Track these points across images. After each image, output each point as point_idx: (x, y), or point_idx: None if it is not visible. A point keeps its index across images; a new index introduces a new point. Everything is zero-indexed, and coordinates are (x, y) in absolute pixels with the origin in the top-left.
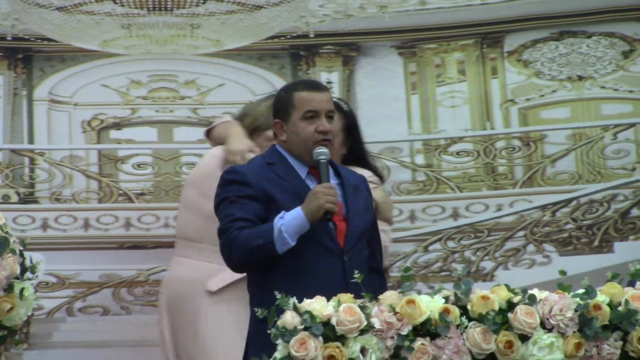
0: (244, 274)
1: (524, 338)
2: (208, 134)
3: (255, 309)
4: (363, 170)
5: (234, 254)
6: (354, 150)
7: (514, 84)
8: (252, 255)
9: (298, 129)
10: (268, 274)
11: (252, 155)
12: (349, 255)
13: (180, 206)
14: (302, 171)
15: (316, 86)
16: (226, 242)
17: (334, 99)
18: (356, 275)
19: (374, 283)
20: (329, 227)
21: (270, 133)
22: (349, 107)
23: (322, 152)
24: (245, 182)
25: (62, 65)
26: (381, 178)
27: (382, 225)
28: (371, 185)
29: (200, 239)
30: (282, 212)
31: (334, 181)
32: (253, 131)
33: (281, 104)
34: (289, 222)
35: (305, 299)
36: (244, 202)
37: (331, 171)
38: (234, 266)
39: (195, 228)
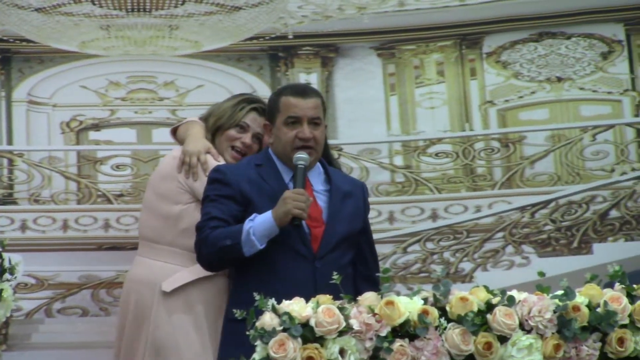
0: (202, 275)
1: (503, 339)
2: (174, 133)
3: (234, 310)
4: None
5: (203, 252)
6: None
7: (492, 85)
8: (219, 255)
9: (280, 134)
10: (243, 275)
11: (208, 156)
12: (322, 261)
13: (142, 207)
14: (287, 174)
15: (303, 92)
16: (198, 240)
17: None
18: (335, 277)
19: (360, 291)
20: (303, 232)
21: (231, 132)
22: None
23: (300, 158)
24: (225, 181)
25: (40, 67)
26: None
27: None
28: None
29: (156, 239)
30: (254, 215)
31: (322, 187)
32: (216, 131)
33: (270, 107)
34: (258, 225)
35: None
36: (222, 201)
37: (322, 176)
38: (204, 264)
39: (152, 228)
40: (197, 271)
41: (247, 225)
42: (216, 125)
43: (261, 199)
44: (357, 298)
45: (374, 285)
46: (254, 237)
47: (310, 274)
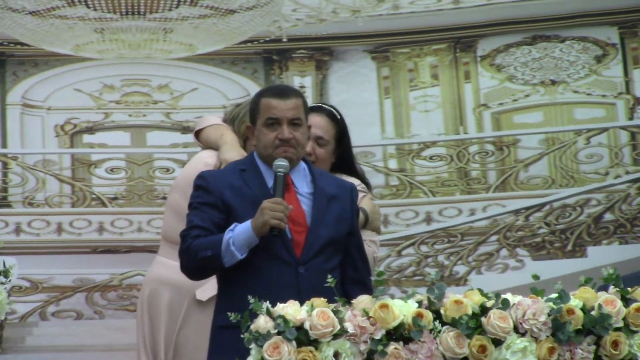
0: None
1: (497, 342)
2: (197, 134)
3: (229, 314)
4: (351, 179)
5: (185, 262)
6: (343, 158)
7: (487, 88)
8: (201, 265)
9: (260, 135)
10: (228, 282)
11: None
12: (305, 266)
13: (165, 209)
14: (270, 178)
15: (282, 93)
16: (181, 249)
17: (328, 107)
18: (329, 280)
19: (351, 295)
20: (286, 238)
21: None
22: (341, 115)
23: (280, 165)
24: (207, 188)
25: (35, 70)
26: (368, 186)
27: (370, 236)
28: (360, 195)
29: None
30: (234, 225)
31: (307, 189)
32: (247, 138)
33: (251, 109)
34: (237, 235)
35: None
36: (204, 209)
37: (308, 178)
38: (187, 274)
39: (180, 232)
40: None
41: (227, 235)
42: (247, 134)
43: (243, 205)
44: (352, 301)
45: (364, 288)
46: (234, 247)
47: (294, 279)
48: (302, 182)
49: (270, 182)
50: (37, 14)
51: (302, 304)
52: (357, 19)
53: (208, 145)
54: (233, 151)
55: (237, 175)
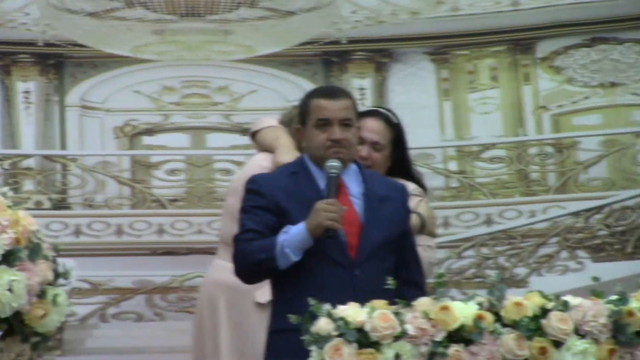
0: None
1: (558, 344)
2: (253, 135)
3: (290, 316)
4: (407, 183)
5: (239, 266)
6: (400, 162)
7: (546, 90)
8: (255, 269)
9: (311, 137)
10: (282, 286)
11: None
12: (360, 269)
13: (223, 212)
14: (321, 180)
15: (332, 94)
16: (235, 253)
17: (384, 111)
18: (390, 282)
19: (405, 296)
20: (340, 240)
21: None
22: (397, 119)
23: (332, 166)
24: (259, 192)
25: (93, 71)
26: (425, 190)
27: (426, 241)
28: (416, 199)
29: None
30: (287, 227)
31: (358, 190)
32: None
33: (301, 110)
34: (291, 237)
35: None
36: (256, 212)
37: (359, 179)
38: (241, 278)
39: None
40: None
41: (281, 237)
42: None
43: (296, 207)
44: (412, 303)
45: (418, 289)
46: (288, 249)
47: (349, 282)
48: (353, 184)
49: (321, 184)
50: (95, 15)
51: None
52: (416, 20)
53: (264, 148)
54: (288, 154)
55: (288, 178)
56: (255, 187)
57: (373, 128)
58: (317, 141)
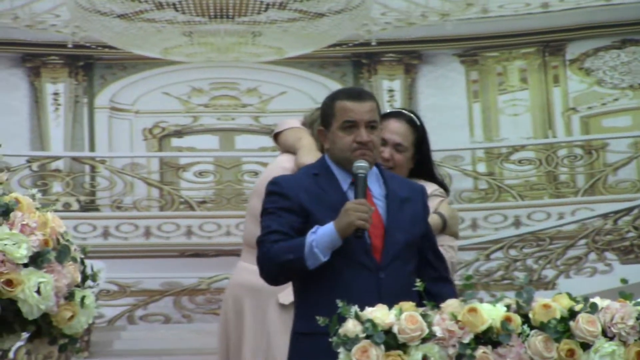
0: None
1: (586, 346)
2: (276, 137)
3: (317, 318)
4: (429, 184)
5: (265, 267)
6: (422, 164)
7: (575, 92)
8: (283, 270)
9: (336, 139)
10: (306, 288)
11: None
12: (385, 271)
13: (246, 215)
14: (344, 182)
15: (357, 95)
16: (260, 254)
17: (407, 113)
18: (417, 284)
19: (438, 293)
20: (365, 242)
21: None
22: (421, 121)
23: (360, 167)
24: (283, 194)
25: (123, 73)
26: (447, 191)
27: (448, 241)
28: (437, 199)
29: None
30: (315, 227)
31: (380, 192)
32: None
33: (324, 112)
34: (320, 237)
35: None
36: (281, 214)
37: (380, 180)
38: (267, 279)
39: None
40: None
41: (310, 238)
42: None
43: (320, 209)
44: (440, 305)
45: (446, 283)
46: (317, 249)
47: (375, 284)
48: (375, 185)
49: (344, 186)
50: (125, 17)
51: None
52: (446, 22)
53: (286, 149)
54: (310, 155)
55: (310, 179)
56: (277, 189)
57: (395, 129)
58: (343, 143)
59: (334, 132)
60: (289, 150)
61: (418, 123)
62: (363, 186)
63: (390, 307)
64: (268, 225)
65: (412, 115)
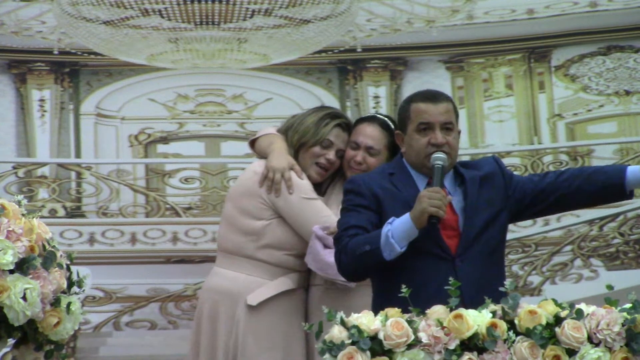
0: (285, 288)
1: (571, 352)
2: (252, 144)
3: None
4: None
5: (343, 261)
6: None
7: (561, 98)
8: (360, 262)
9: (412, 141)
10: (384, 285)
11: (292, 173)
12: (461, 258)
13: (221, 219)
14: (421, 183)
15: (433, 98)
16: (338, 249)
17: (381, 117)
18: (507, 284)
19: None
20: (436, 233)
21: (315, 149)
22: (395, 125)
23: (438, 158)
24: (359, 191)
25: (109, 80)
26: None
27: None
28: None
29: (237, 252)
30: (392, 218)
31: (457, 194)
32: (299, 147)
33: (400, 115)
34: (396, 227)
35: (416, 308)
36: (359, 210)
37: (457, 181)
38: (345, 273)
39: (233, 242)
40: (281, 285)
41: (386, 228)
42: (300, 142)
43: (394, 207)
44: (426, 311)
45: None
46: (393, 239)
47: (452, 274)
48: (451, 186)
49: (421, 187)
50: (110, 23)
51: (462, 296)
52: (432, 29)
53: (260, 155)
54: (279, 158)
55: (386, 178)
56: (355, 187)
57: (368, 133)
58: (418, 145)
59: (410, 134)
60: (263, 155)
61: (392, 126)
62: (440, 176)
63: (469, 295)
64: (346, 221)
65: (385, 119)
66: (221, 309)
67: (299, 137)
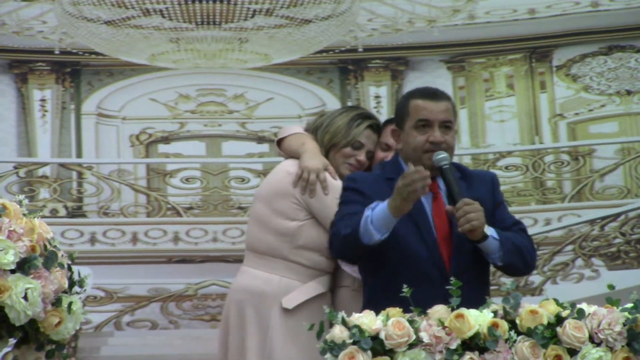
0: (319, 291)
1: (573, 352)
2: (279, 143)
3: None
4: None
5: (333, 244)
6: None
7: (562, 98)
8: (344, 245)
9: (409, 138)
10: (372, 279)
11: (327, 175)
12: (454, 274)
13: (249, 219)
14: None
15: (433, 95)
16: (330, 235)
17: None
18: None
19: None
20: (438, 255)
21: (347, 150)
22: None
23: (442, 158)
24: (360, 190)
25: (110, 79)
26: None
27: None
28: None
29: (271, 253)
30: (375, 203)
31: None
32: (330, 148)
33: (398, 111)
34: (376, 214)
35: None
36: (357, 201)
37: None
38: (337, 256)
39: (266, 242)
40: (315, 287)
41: (367, 212)
42: (331, 143)
43: None
44: (427, 311)
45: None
46: (372, 225)
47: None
48: (442, 185)
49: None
50: (112, 23)
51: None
52: (433, 29)
53: (290, 154)
54: (314, 159)
55: (385, 184)
56: (355, 186)
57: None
58: (416, 143)
59: (407, 131)
60: (293, 155)
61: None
62: (452, 176)
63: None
64: (342, 210)
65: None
66: (250, 309)
67: (330, 138)
